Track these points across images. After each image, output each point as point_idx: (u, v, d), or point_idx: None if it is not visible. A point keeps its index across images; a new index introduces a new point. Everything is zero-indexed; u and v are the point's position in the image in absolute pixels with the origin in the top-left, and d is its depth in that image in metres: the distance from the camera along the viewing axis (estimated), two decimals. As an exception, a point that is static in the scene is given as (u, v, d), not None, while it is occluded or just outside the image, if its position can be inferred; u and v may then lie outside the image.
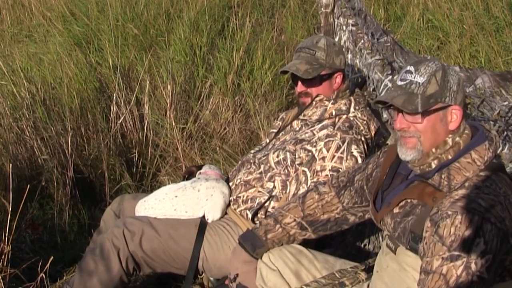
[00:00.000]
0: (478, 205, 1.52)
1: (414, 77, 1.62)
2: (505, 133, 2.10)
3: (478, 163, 1.60)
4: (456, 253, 1.48)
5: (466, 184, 1.59)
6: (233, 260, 2.00)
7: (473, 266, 1.46)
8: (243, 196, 2.35)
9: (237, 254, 2.00)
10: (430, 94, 1.61)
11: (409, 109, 1.61)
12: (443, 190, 1.60)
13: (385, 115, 2.65)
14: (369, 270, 1.92)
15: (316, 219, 1.99)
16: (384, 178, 1.81)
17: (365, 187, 1.93)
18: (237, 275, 1.96)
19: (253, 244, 1.96)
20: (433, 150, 1.64)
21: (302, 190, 2.24)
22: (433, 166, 1.65)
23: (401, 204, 1.70)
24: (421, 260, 1.58)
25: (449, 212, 1.53)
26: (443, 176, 1.61)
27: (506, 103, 2.22)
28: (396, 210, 1.71)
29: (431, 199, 1.61)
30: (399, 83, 1.66)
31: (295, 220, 1.99)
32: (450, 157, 1.64)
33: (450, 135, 1.65)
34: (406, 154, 1.67)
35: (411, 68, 1.64)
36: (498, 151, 1.71)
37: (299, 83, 2.43)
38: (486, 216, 1.49)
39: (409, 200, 1.69)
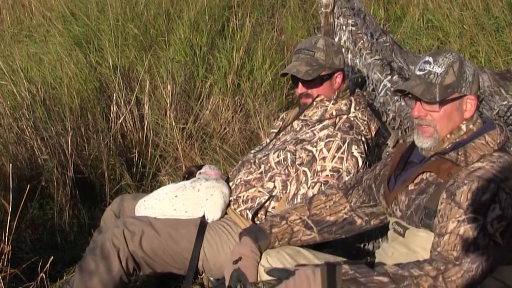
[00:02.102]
0: (494, 175, 1.59)
1: (433, 68, 1.70)
2: (505, 133, 2.10)
3: (491, 145, 1.69)
4: (473, 215, 1.54)
5: (481, 159, 1.66)
6: (237, 246, 1.91)
7: (489, 228, 1.53)
8: (243, 196, 2.35)
9: (243, 242, 1.92)
10: (448, 84, 1.69)
11: (428, 98, 1.68)
12: (460, 165, 1.66)
13: (391, 108, 2.65)
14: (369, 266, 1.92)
15: (322, 219, 1.99)
16: (396, 165, 1.86)
17: (373, 185, 1.96)
18: (240, 258, 1.90)
19: (256, 236, 1.91)
20: (448, 135, 1.72)
21: (302, 190, 2.24)
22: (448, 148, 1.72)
23: (416, 181, 1.75)
24: (434, 234, 1.63)
25: (466, 181, 1.61)
26: (460, 153, 1.68)
27: (505, 102, 2.23)
28: (411, 187, 1.76)
29: (446, 175, 1.67)
30: (418, 73, 1.73)
31: (300, 217, 1.99)
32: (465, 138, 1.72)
33: (464, 122, 1.73)
34: (423, 142, 1.74)
35: (430, 59, 1.72)
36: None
37: (300, 84, 2.43)
38: (502, 185, 1.57)
39: (424, 177, 1.74)
